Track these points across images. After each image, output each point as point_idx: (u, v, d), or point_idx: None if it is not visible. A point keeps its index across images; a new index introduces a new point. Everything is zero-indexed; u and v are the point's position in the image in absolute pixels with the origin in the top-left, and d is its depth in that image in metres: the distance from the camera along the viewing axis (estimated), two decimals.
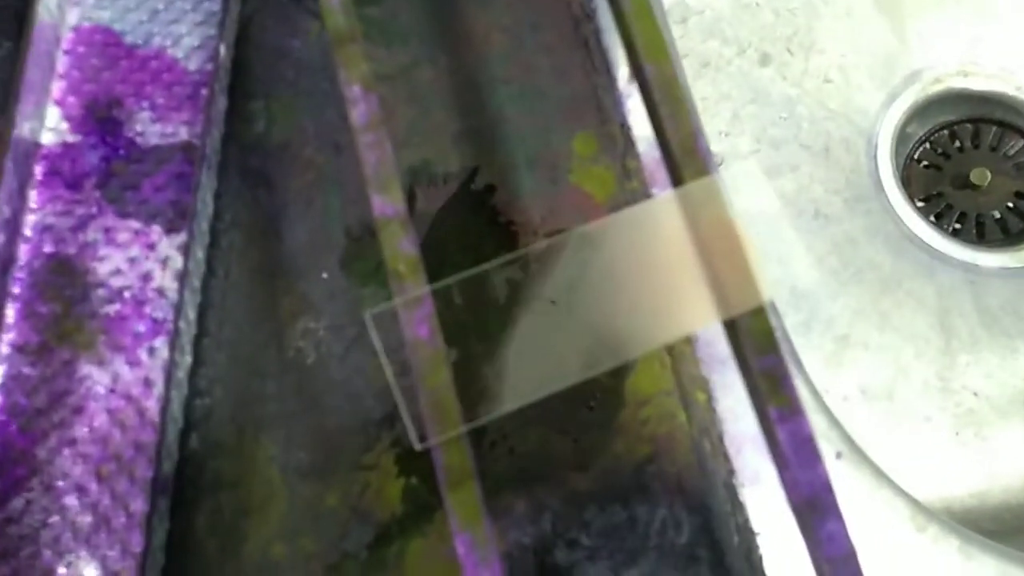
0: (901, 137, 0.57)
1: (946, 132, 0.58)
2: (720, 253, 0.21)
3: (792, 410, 0.20)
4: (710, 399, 0.28)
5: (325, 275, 0.28)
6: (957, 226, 0.55)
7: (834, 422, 0.32)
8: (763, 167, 0.56)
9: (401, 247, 0.21)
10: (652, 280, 0.22)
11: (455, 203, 0.30)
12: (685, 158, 0.22)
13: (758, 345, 0.20)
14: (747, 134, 0.56)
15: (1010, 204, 0.55)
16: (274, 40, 0.31)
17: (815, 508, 0.19)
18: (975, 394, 0.52)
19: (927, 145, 0.58)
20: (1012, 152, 0.57)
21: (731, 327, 0.21)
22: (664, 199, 0.22)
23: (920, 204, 0.55)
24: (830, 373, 0.51)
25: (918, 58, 0.58)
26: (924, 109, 0.57)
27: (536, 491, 0.27)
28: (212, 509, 0.26)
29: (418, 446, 0.20)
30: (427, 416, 0.20)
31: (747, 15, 0.59)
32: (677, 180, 0.22)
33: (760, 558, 0.26)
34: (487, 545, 0.19)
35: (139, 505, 0.26)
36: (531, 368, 0.21)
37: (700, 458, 0.27)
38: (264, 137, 0.30)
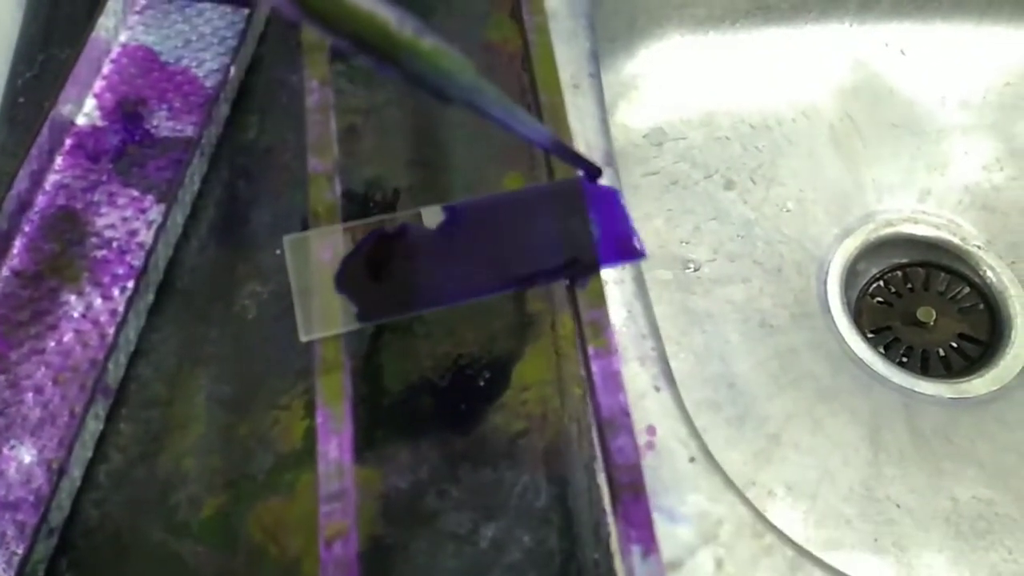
0: (852, 268, 0.61)
1: (899, 273, 0.62)
2: None
3: (607, 351, 0.24)
4: (585, 395, 0.32)
5: (278, 252, 0.34)
6: (904, 359, 0.58)
7: (758, 514, 0.33)
8: (717, 275, 0.60)
9: (324, 195, 0.27)
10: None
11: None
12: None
13: (590, 302, 0.25)
14: (705, 245, 0.61)
15: (954, 344, 0.58)
16: (277, 73, 0.38)
17: (612, 426, 0.23)
18: (898, 506, 0.52)
19: (881, 282, 0.62)
20: (959, 297, 0.60)
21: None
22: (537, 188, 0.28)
23: (871, 335, 0.59)
24: (757, 467, 0.53)
25: (872, 201, 0.63)
26: (876, 247, 0.61)
27: (420, 446, 0.30)
28: (143, 420, 0.31)
29: (304, 338, 0.24)
30: (315, 317, 0.24)
31: (717, 146, 0.65)
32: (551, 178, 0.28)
33: (608, 534, 0.30)
34: (341, 420, 0.23)
35: (82, 409, 0.30)
36: (402, 295, 0.26)
37: (567, 440, 0.31)
38: (253, 142, 0.36)
